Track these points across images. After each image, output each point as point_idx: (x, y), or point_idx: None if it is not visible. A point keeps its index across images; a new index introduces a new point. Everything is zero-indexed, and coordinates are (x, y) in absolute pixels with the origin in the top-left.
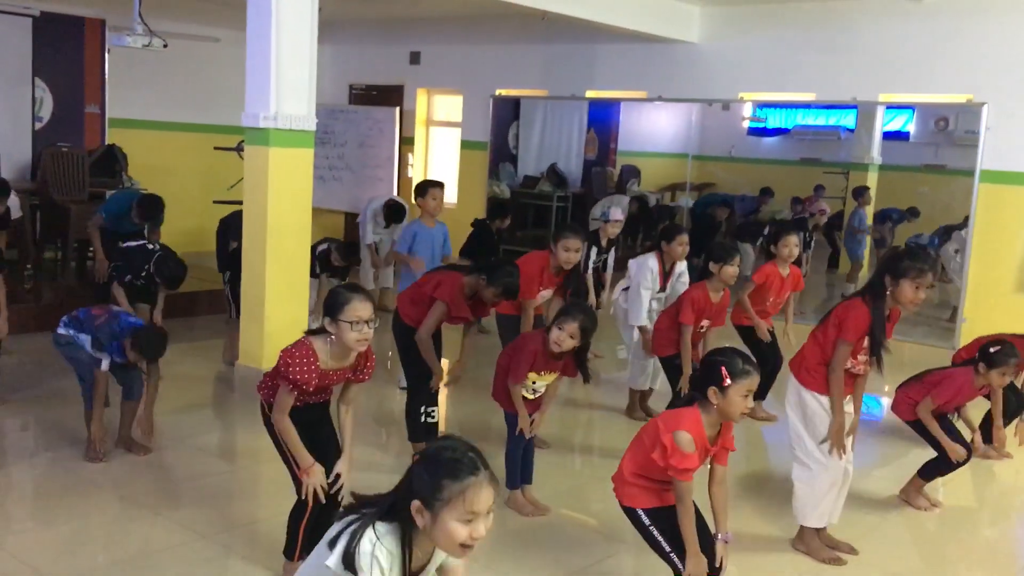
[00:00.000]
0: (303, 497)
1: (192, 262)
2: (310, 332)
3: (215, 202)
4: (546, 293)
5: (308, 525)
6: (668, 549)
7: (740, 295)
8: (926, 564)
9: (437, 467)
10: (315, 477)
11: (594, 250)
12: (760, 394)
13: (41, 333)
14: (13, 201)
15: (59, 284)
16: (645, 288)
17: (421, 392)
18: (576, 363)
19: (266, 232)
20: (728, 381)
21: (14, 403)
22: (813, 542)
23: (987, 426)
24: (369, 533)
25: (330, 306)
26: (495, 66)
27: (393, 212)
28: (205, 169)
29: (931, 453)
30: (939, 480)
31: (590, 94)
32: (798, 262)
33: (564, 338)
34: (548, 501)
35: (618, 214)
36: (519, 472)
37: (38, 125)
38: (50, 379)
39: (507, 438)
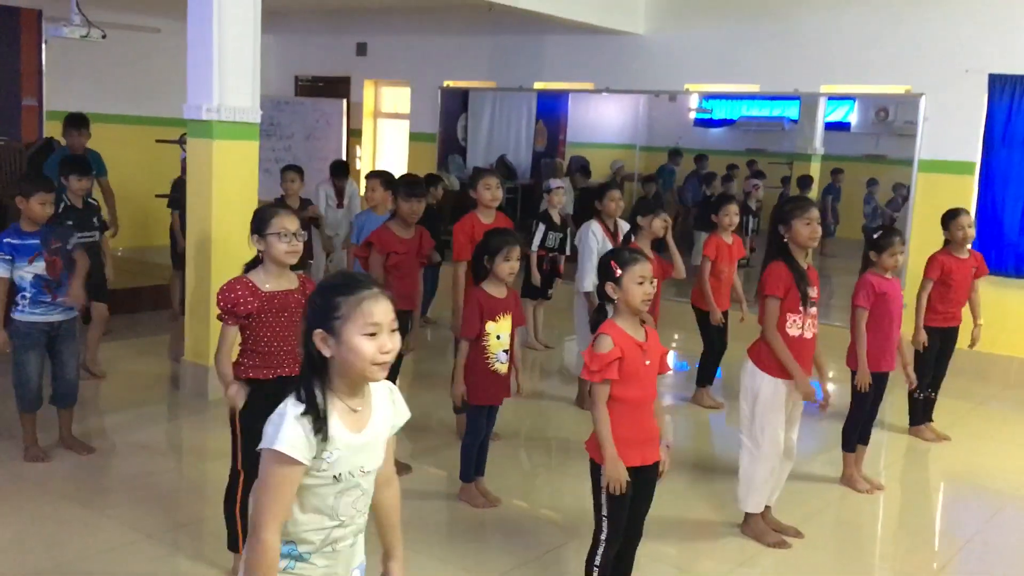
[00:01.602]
0: (231, 421)
1: (134, 257)
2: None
3: (158, 196)
4: None
5: (243, 507)
6: (605, 512)
7: (701, 277)
8: (869, 546)
9: (330, 290)
10: (235, 392)
11: (541, 228)
12: (706, 379)
13: None
14: None
15: None
16: (589, 252)
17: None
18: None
19: (211, 226)
20: (619, 271)
21: None
22: (759, 526)
23: (924, 410)
24: (290, 399)
25: (257, 223)
26: (443, 57)
27: (337, 168)
28: (147, 163)
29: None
30: (880, 463)
31: (538, 85)
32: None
33: (513, 265)
34: (499, 492)
35: (558, 182)
36: (473, 465)
37: None
38: None
39: (465, 431)
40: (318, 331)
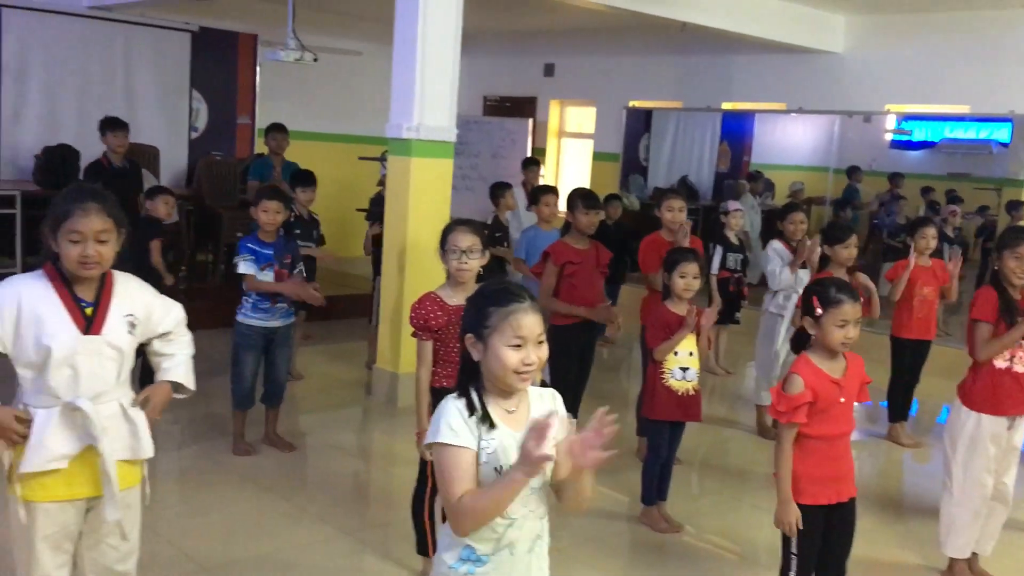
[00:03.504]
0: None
1: (331, 267)
2: None
3: (358, 210)
4: None
5: (431, 511)
6: (794, 549)
7: (891, 299)
8: None
9: (483, 299)
10: (424, 447)
11: (719, 250)
12: (900, 414)
13: (191, 333)
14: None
15: (209, 286)
16: (773, 267)
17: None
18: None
19: (406, 240)
20: (820, 311)
21: None
22: (964, 575)
23: None
24: (449, 396)
25: (441, 238)
26: (629, 77)
27: (529, 162)
28: (346, 178)
29: None
30: None
31: (726, 106)
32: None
33: (689, 282)
34: (680, 518)
35: (736, 204)
36: (655, 487)
37: (194, 135)
38: (200, 376)
39: (647, 452)
40: (469, 336)
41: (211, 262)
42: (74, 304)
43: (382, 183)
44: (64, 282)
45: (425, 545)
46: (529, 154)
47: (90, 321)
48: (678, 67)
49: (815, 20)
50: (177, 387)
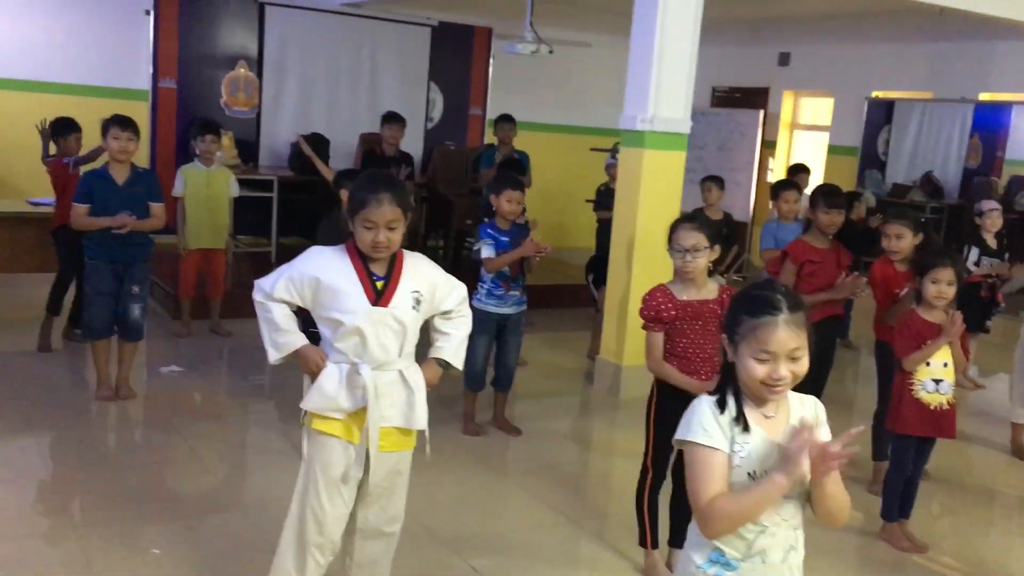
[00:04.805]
0: (646, 419)
1: (553, 256)
2: None
3: (587, 201)
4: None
5: (651, 504)
6: None
7: None
8: None
9: (739, 303)
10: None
11: (974, 252)
12: None
13: None
14: None
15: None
16: None
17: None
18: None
19: (635, 232)
20: None
21: None
22: None
23: None
24: (705, 395)
25: (668, 235)
26: (871, 66)
27: (798, 169)
28: (576, 169)
29: None
30: None
31: (984, 96)
32: None
33: (943, 289)
34: (920, 536)
35: (991, 203)
36: (897, 503)
37: (430, 125)
38: None
39: (889, 465)
40: (724, 337)
41: (442, 247)
42: (367, 278)
43: (609, 173)
44: (361, 258)
45: (645, 537)
46: (759, 147)
47: (380, 294)
48: (929, 55)
49: None
50: (446, 364)
